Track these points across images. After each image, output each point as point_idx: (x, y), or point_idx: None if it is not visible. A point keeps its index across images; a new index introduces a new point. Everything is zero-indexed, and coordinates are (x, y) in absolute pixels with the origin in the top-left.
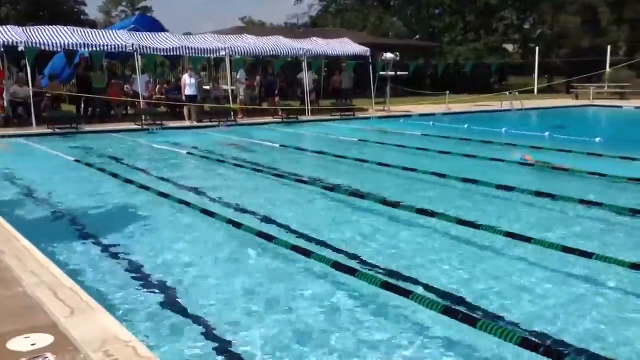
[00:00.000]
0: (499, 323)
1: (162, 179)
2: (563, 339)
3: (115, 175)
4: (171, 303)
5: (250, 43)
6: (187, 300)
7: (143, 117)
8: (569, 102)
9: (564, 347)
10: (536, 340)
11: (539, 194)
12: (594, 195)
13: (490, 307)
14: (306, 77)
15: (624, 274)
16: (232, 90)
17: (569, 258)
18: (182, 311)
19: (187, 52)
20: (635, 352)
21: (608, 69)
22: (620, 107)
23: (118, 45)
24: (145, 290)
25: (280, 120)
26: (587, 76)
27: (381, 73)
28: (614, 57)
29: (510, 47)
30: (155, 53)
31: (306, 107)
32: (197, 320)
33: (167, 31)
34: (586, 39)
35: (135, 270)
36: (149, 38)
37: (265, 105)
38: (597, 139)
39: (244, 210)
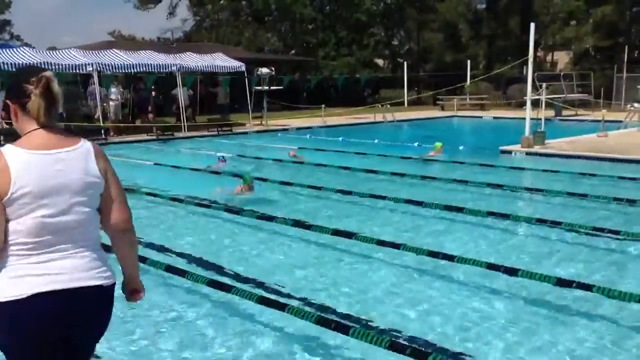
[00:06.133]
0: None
1: None
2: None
3: None
4: None
5: (120, 58)
6: None
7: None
8: (436, 113)
9: None
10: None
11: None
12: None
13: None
14: (180, 93)
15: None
16: (103, 108)
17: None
18: None
19: (50, 67)
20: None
21: (468, 82)
22: (480, 117)
23: None
24: None
25: (155, 137)
26: (451, 89)
27: (256, 87)
28: (474, 70)
29: (380, 62)
30: (13, 69)
31: (182, 123)
32: None
33: (31, 46)
34: (449, 54)
35: None
36: (5, 53)
37: (138, 122)
38: (461, 147)
39: None
